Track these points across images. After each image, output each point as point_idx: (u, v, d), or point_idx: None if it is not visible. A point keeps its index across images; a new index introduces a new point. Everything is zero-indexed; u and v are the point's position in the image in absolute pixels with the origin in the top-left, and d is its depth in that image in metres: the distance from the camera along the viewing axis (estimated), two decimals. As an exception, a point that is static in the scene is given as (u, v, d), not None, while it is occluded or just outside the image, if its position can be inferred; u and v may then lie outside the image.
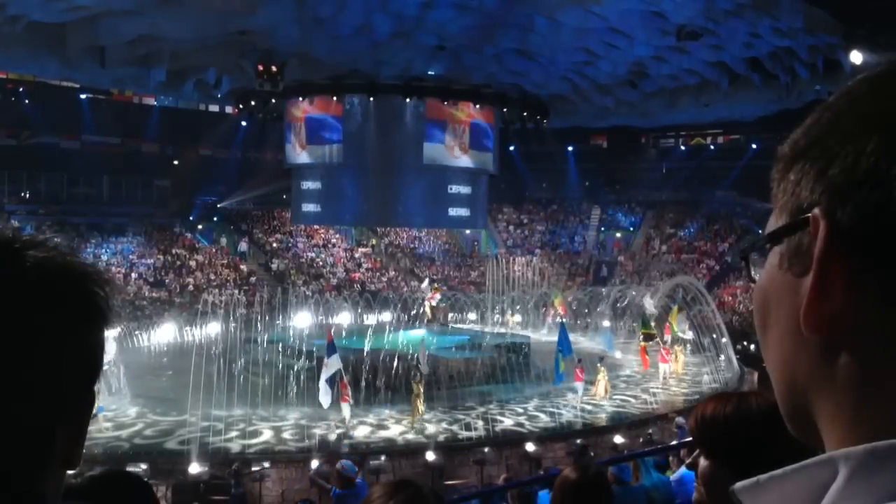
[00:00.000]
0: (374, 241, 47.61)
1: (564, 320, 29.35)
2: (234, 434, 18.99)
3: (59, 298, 0.78)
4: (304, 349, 24.18)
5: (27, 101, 43.47)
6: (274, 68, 30.27)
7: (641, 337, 26.60)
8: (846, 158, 0.56)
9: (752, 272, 0.67)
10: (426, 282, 34.36)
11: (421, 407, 20.41)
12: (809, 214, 0.58)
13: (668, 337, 27.31)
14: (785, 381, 0.63)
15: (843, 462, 0.52)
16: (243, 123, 45.45)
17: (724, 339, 28.36)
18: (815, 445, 0.60)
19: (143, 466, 16.09)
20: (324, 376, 19.52)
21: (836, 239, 0.56)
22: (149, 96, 46.69)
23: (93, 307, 0.81)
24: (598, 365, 23.43)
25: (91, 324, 0.81)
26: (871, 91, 0.58)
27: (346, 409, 19.60)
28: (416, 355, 21.70)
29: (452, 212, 38.67)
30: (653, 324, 26.69)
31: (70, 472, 0.85)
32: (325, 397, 19.55)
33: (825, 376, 0.59)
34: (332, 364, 19.56)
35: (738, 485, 0.57)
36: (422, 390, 20.50)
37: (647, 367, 26.36)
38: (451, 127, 36.52)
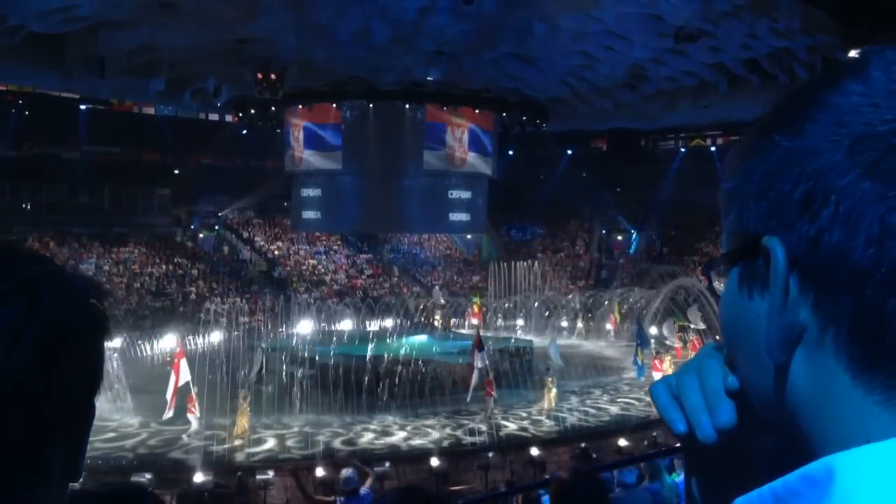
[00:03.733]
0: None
1: (477, 322, 33.89)
2: (238, 442, 18.98)
3: (57, 311, 0.77)
4: (306, 356, 24.18)
5: (27, 113, 43.50)
6: (273, 76, 30.26)
7: (676, 328, 29.70)
8: (785, 185, 0.58)
9: (717, 286, 0.68)
10: (436, 288, 34.75)
11: (552, 402, 21.87)
12: (761, 240, 0.59)
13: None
14: (761, 400, 0.64)
15: (838, 468, 0.53)
16: (243, 132, 45.49)
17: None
18: (803, 458, 0.59)
19: (148, 476, 16.08)
20: (475, 375, 21.47)
21: (789, 263, 0.57)
22: (148, 106, 46.75)
23: (91, 319, 0.81)
24: (664, 354, 25.20)
25: (89, 336, 0.81)
26: (792, 119, 0.60)
27: (490, 403, 21.21)
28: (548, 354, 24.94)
29: (453, 217, 38.64)
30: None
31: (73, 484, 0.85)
32: (471, 393, 21.55)
33: (798, 396, 0.59)
34: (481, 361, 21.62)
35: (740, 500, 0.58)
36: (554, 385, 22.01)
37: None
38: (450, 132, 36.51)
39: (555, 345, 25.63)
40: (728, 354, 0.68)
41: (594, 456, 16.53)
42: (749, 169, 0.62)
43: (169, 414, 19.58)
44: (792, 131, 0.59)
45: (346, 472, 10.73)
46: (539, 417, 21.62)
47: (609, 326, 33.15)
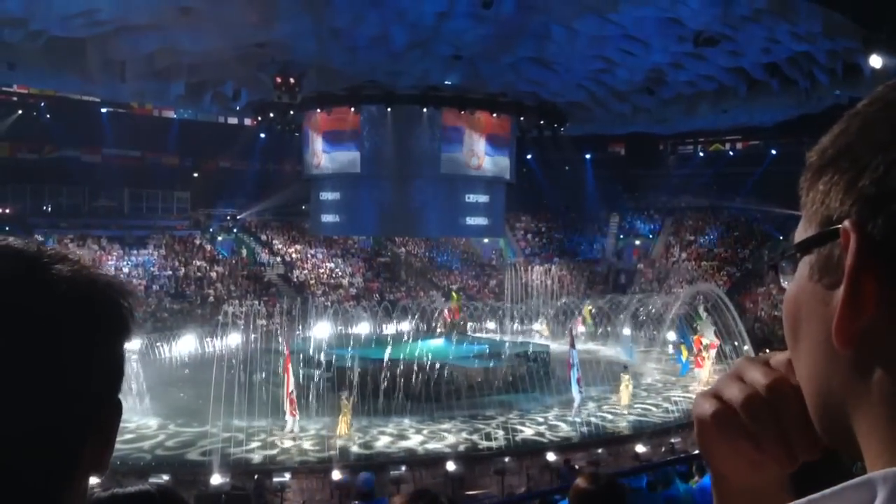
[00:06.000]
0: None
1: (460, 321, 35.09)
2: (255, 445, 19.03)
3: (85, 311, 0.79)
4: (323, 359, 24.22)
5: (48, 116, 43.91)
6: (292, 80, 30.39)
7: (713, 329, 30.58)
8: (877, 169, 0.55)
9: (782, 280, 0.66)
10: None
11: (628, 398, 23.14)
12: (840, 226, 0.57)
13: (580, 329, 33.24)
14: (818, 394, 0.62)
15: (882, 483, 0.51)
16: (262, 135, 45.68)
17: (745, 347, 28.15)
18: (852, 457, 0.59)
19: (165, 477, 16.16)
20: (574, 374, 22.39)
21: (867, 251, 0.55)
22: (168, 109, 47.09)
23: (118, 318, 0.83)
24: (706, 353, 26.56)
25: (116, 334, 0.83)
26: None
27: (578, 398, 22.43)
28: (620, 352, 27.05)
29: (470, 220, 38.62)
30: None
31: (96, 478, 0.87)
32: (577, 393, 22.33)
33: (860, 391, 0.57)
34: (575, 360, 22.60)
35: None
36: (630, 383, 23.39)
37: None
38: (468, 136, 36.51)
39: (628, 345, 27.18)
40: (790, 350, 0.67)
41: (577, 467, 16.43)
42: (839, 150, 0.59)
43: (290, 418, 19.91)
44: (889, 111, 0.56)
45: (362, 475, 10.73)
46: (618, 412, 22.70)
47: (579, 329, 33.80)
